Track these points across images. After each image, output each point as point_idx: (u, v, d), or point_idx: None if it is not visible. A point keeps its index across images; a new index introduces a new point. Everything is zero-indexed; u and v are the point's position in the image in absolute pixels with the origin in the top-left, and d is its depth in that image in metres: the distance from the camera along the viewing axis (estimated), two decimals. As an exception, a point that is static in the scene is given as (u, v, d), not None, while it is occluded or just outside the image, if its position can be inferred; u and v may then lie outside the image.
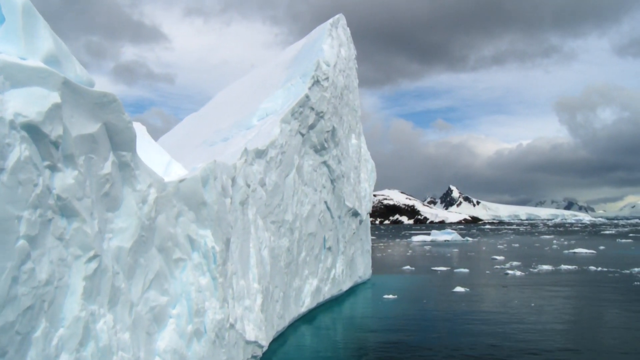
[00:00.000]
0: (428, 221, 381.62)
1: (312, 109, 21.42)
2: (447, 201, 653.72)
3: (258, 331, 13.18)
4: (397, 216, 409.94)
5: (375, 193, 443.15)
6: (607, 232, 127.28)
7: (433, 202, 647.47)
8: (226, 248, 11.74)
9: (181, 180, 10.79)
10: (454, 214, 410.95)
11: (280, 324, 17.55)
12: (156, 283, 9.91)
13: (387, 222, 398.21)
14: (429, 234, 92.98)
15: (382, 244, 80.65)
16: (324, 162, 23.14)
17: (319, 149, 22.54)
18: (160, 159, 15.49)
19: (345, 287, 26.82)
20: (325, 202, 23.35)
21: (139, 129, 18.18)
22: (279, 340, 17.73)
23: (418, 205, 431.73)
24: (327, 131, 22.78)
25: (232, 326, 11.41)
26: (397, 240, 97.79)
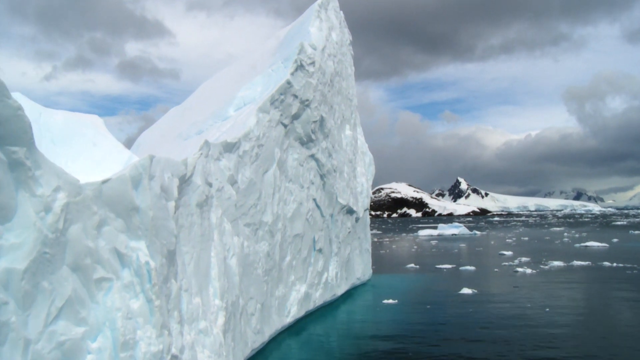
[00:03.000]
0: (436, 214, 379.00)
1: (296, 96, 19.22)
2: (456, 193, 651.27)
3: (216, 358, 11.05)
4: (404, 209, 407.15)
5: (383, 186, 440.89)
6: (619, 223, 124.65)
7: (441, 195, 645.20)
8: (168, 262, 9.62)
9: (104, 181, 8.66)
10: (463, 206, 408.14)
11: (258, 340, 15.43)
12: (68, 311, 7.81)
13: (395, 215, 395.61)
14: (436, 228, 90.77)
15: (387, 239, 78.46)
16: (312, 156, 20.95)
17: (306, 141, 20.35)
18: (118, 155, 13.49)
19: (341, 291, 24.66)
20: (314, 200, 21.18)
21: (95, 122, 16.12)
22: (258, 357, 15.64)
23: (426, 198, 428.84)
24: (315, 121, 20.58)
25: (175, 357, 9.28)
26: (403, 234, 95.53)
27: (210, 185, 12.67)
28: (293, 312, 18.90)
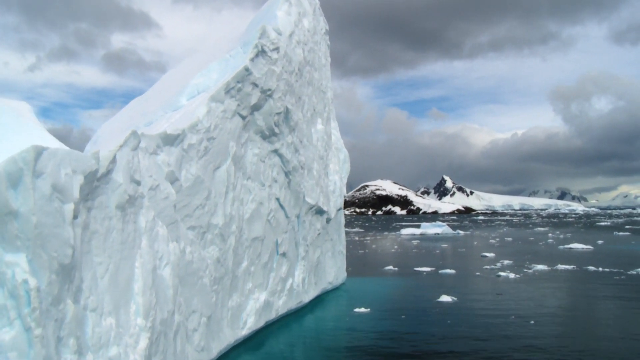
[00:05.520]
0: (421, 211, 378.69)
1: (256, 85, 17.37)
2: (441, 191, 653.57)
3: (132, 391, 9.23)
4: (389, 207, 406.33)
5: (368, 183, 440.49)
6: (602, 223, 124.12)
7: (426, 193, 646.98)
8: (62, 279, 7.75)
9: (-33, 178, 6.82)
10: (447, 204, 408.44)
11: (202, 359, 13.61)
12: None
13: (379, 212, 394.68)
14: (418, 227, 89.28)
15: (368, 238, 76.78)
16: (275, 151, 19.12)
17: (268, 135, 18.51)
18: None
19: (308, 297, 22.86)
20: (278, 199, 19.37)
21: (21, 109, 14.31)
22: (204, 377, 13.84)
23: (411, 195, 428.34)
24: (278, 113, 18.74)
25: (65, 400, 7.46)
26: (386, 233, 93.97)
27: (137, 183, 10.80)
28: (250, 323, 17.09)
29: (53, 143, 12.95)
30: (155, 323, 10.51)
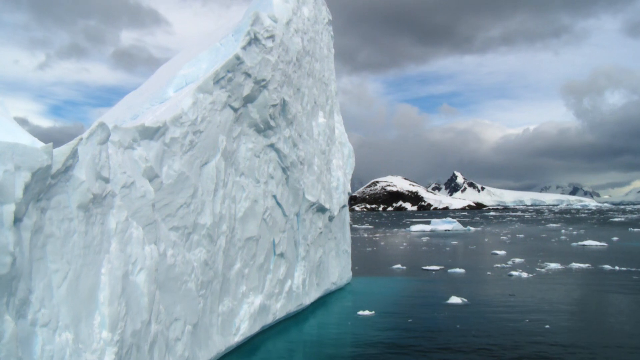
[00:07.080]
0: (432, 207, 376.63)
1: (248, 75, 16.25)
2: (452, 187, 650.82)
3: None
4: (400, 203, 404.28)
5: (378, 179, 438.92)
6: (616, 219, 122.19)
7: (437, 188, 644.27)
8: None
9: None
10: (458, 200, 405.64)
11: (188, 371, 12.54)
12: None
13: (390, 208, 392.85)
14: (429, 223, 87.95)
15: (378, 235, 75.53)
16: (271, 146, 18.00)
17: (263, 129, 17.39)
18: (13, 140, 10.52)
19: (309, 300, 21.73)
20: (274, 197, 18.25)
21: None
22: (190, 390, 12.77)
23: (422, 191, 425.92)
24: (274, 105, 17.62)
25: None
26: (395, 230, 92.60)
27: (106, 180, 9.72)
28: (243, 329, 16.01)
29: (24, 139, 11.90)
30: (125, 335, 9.43)
